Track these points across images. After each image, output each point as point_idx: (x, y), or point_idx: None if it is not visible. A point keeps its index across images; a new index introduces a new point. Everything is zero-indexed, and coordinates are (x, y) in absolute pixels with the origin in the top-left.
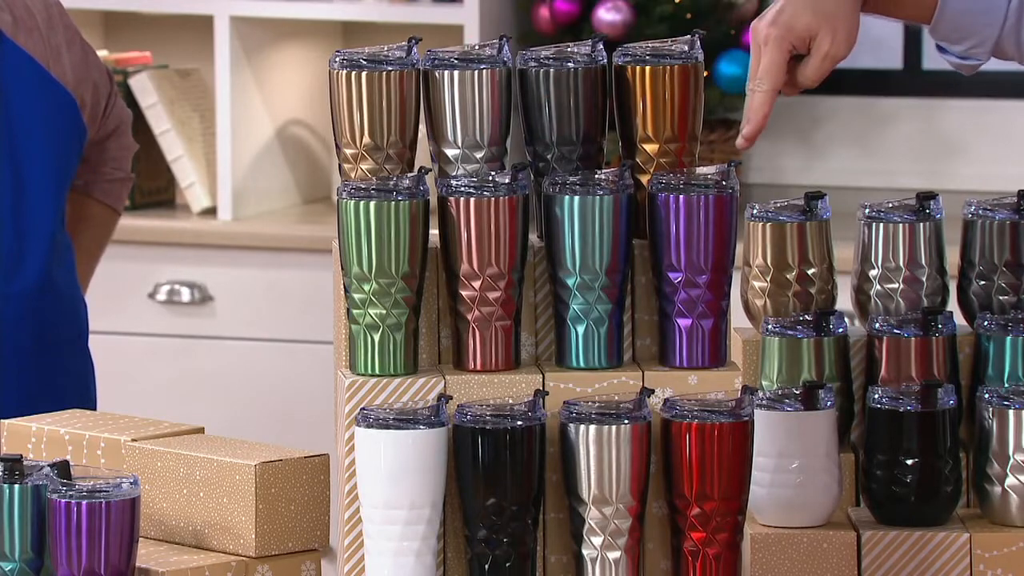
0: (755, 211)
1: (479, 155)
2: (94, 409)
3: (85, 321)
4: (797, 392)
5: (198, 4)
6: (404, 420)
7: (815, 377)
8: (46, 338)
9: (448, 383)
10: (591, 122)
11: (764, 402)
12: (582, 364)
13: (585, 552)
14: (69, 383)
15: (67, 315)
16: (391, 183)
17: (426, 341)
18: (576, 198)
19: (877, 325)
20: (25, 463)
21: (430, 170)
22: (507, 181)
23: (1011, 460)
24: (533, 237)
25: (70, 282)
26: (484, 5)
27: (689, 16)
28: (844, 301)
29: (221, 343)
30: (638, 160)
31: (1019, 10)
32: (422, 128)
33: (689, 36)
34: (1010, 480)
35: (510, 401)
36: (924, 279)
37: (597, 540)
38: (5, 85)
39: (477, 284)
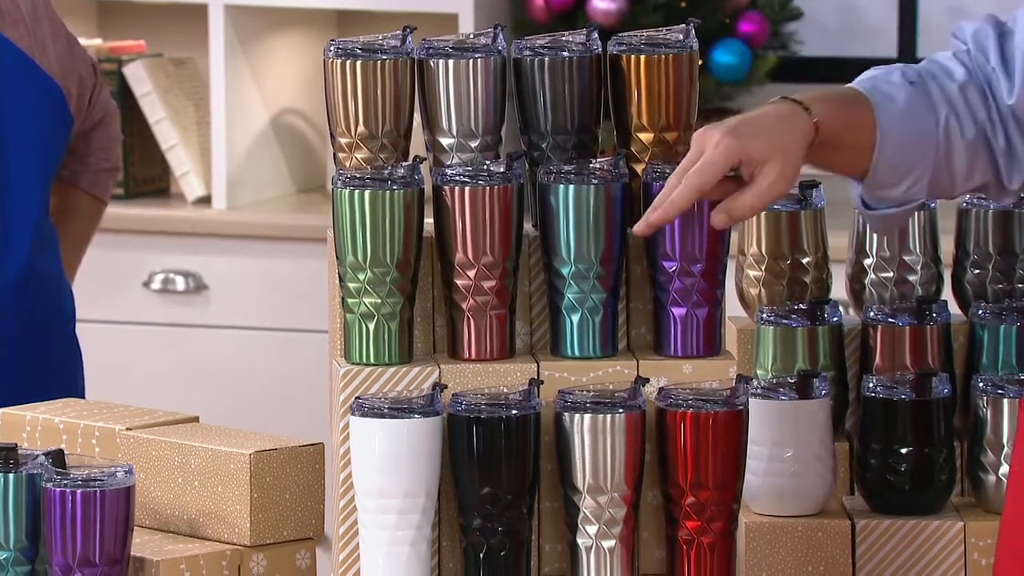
0: None
1: (474, 144)
2: (82, 397)
3: (72, 309)
4: (792, 381)
5: None
6: (399, 409)
7: (810, 366)
8: (31, 327)
9: (443, 372)
10: (586, 111)
11: (759, 391)
12: (577, 353)
13: (580, 541)
14: (55, 371)
15: (52, 303)
16: (386, 172)
17: (421, 330)
18: (571, 187)
19: (872, 314)
20: (20, 452)
21: (425, 159)
22: (502, 170)
23: (1005, 449)
24: (528, 226)
25: (55, 271)
26: None
27: (684, 5)
28: (839, 290)
29: (216, 332)
30: (633, 149)
31: (946, 134)
32: (417, 117)
33: (684, 25)
34: (1004, 469)
35: (505, 390)
36: (919, 268)
37: (592, 529)
38: None
39: (472, 273)
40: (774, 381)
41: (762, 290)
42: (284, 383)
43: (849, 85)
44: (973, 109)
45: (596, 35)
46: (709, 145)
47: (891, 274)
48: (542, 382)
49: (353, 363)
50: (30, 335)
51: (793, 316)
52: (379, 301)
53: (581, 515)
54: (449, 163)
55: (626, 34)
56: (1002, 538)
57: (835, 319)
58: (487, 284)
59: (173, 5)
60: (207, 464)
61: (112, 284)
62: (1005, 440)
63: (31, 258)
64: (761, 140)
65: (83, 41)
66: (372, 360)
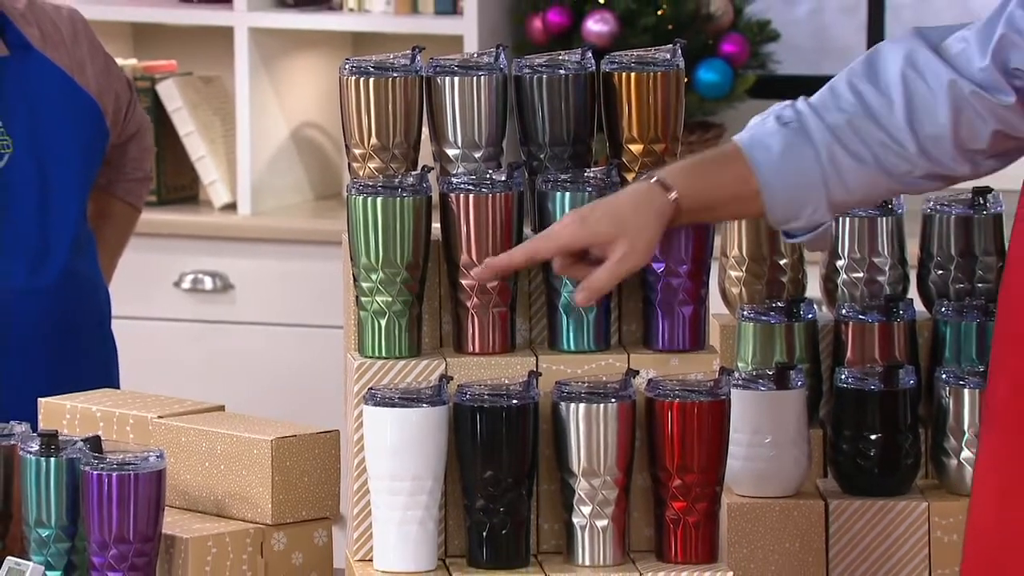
0: None
1: (478, 155)
2: (117, 388)
3: (107, 308)
4: (770, 373)
5: (219, 16)
6: (408, 399)
7: (786, 359)
8: (70, 326)
9: (449, 365)
10: (581, 124)
11: (740, 382)
12: (573, 347)
13: (575, 520)
14: (92, 367)
15: (90, 304)
16: (396, 181)
17: (428, 326)
18: (567, 194)
19: (844, 311)
20: (60, 438)
21: (432, 168)
22: (503, 179)
23: (966, 435)
24: (528, 230)
25: (92, 273)
26: (482, 17)
27: (671, 27)
28: (813, 289)
29: (240, 328)
30: (624, 159)
31: (830, 160)
32: (425, 130)
33: (671, 45)
34: (965, 453)
35: (506, 381)
36: (887, 269)
37: (586, 509)
38: (34, 93)
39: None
40: (754, 373)
41: (743, 289)
42: (303, 375)
43: (734, 138)
44: (864, 135)
45: (590, 54)
46: (560, 223)
47: (861, 275)
48: (540, 374)
49: (366, 356)
50: (69, 332)
51: (771, 313)
52: (390, 299)
53: (576, 496)
54: (455, 172)
55: (617, 53)
56: (971, 515)
57: (810, 316)
58: (490, 284)
59: (202, 28)
60: (232, 449)
61: (145, 284)
62: (966, 427)
63: (70, 261)
64: (608, 223)
65: (119, 61)
66: (383, 354)
